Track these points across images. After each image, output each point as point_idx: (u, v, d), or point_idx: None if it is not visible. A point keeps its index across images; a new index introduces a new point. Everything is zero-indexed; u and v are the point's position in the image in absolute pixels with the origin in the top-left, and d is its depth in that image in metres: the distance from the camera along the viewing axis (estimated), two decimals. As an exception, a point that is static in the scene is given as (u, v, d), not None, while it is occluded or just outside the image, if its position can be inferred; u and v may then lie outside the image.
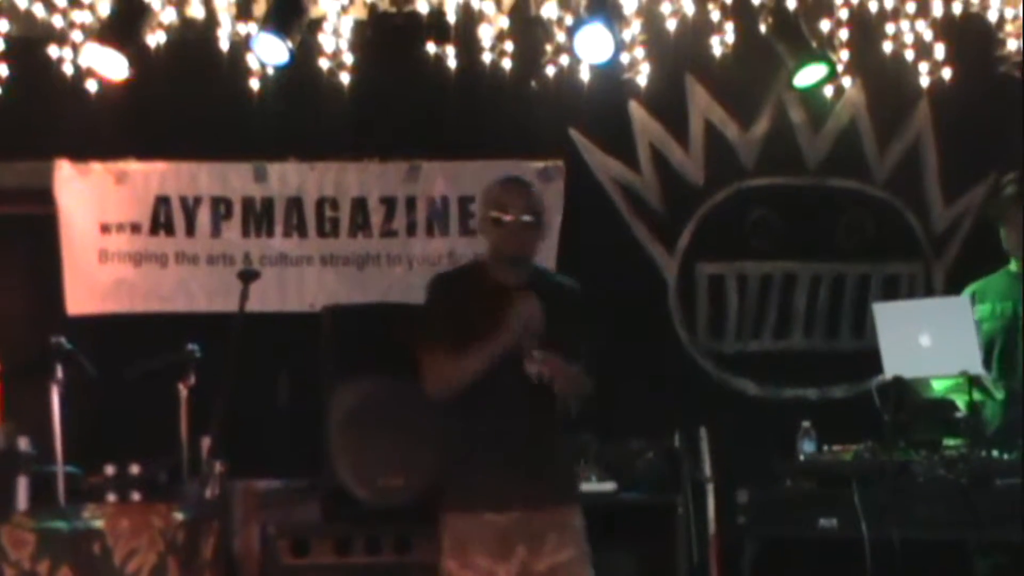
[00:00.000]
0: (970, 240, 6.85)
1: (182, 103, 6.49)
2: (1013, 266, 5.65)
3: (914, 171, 6.96)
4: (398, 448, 5.22)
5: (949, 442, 5.05)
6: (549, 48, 6.37)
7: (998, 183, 6.26)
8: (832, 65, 6.24)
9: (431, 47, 6.35)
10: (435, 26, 6.34)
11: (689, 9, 6.30)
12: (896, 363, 5.19)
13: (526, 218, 4.21)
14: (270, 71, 6.21)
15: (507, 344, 4.10)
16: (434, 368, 4.18)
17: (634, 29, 6.31)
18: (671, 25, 6.32)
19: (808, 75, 6.23)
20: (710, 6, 6.36)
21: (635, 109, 6.82)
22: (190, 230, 6.66)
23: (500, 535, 4.16)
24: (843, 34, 6.42)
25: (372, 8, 6.52)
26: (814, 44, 6.19)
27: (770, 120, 6.92)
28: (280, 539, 5.38)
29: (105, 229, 6.61)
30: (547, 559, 4.17)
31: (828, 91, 6.62)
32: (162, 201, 6.66)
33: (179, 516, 4.88)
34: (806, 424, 5.42)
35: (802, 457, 5.32)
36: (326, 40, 6.28)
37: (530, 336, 4.08)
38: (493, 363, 4.12)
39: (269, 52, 5.93)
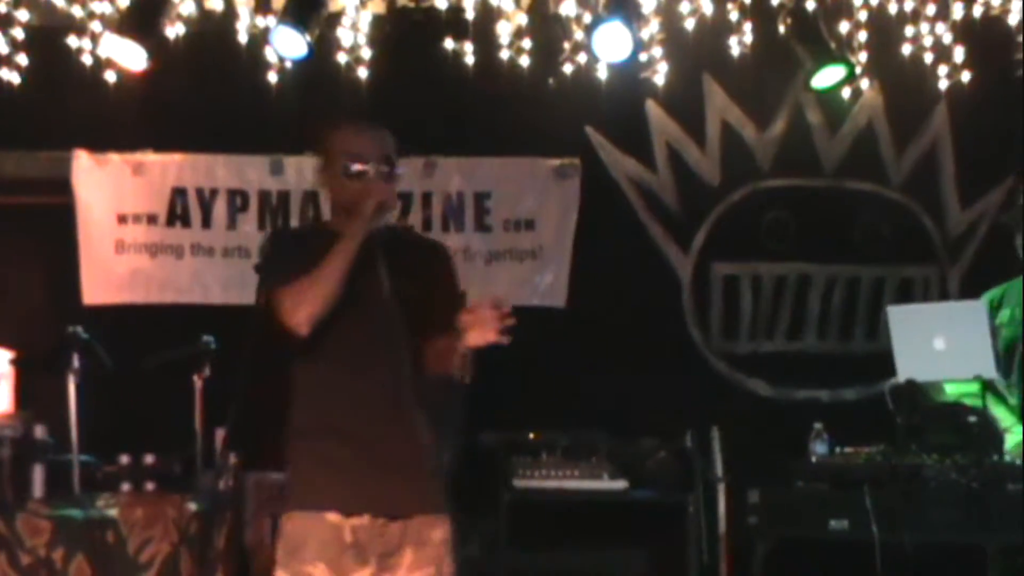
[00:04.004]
0: (986, 244, 6.83)
1: (200, 95, 6.50)
2: (1031, 272, 5.64)
3: (931, 174, 6.95)
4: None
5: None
6: (567, 46, 6.37)
7: (1014, 191, 6.24)
8: (850, 67, 6.23)
9: (449, 43, 6.37)
10: (453, 22, 6.35)
11: (708, 9, 6.31)
12: (910, 366, 5.18)
13: (384, 168, 3.63)
14: (288, 64, 6.21)
15: (362, 233, 3.47)
16: (289, 294, 3.45)
17: (652, 28, 6.31)
18: (689, 24, 6.32)
19: (826, 77, 6.22)
20: (729, 6, 6.36)
21: (652, 108, 6.81)
22: (206, 222, 6.68)
23: (341, 543, 3.45)
24: (862, 36, 6.41)
25: (390, 3, 6.52)
26: (833, 46, 6.17)
27: (787, 121, 6.91)
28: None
29: (122, 220, 6.63)
30: None
31: (846, 93, 6.61)
32: (179, 193, 6.68)
33: (193, 507, 4.90)
34: (818, 426, 5.39)
35: (814, 459, 5.30)
36: (344, 34, 6.29)
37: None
38: (354, 309, 3.48)
39: (287, 45, 5.93)
